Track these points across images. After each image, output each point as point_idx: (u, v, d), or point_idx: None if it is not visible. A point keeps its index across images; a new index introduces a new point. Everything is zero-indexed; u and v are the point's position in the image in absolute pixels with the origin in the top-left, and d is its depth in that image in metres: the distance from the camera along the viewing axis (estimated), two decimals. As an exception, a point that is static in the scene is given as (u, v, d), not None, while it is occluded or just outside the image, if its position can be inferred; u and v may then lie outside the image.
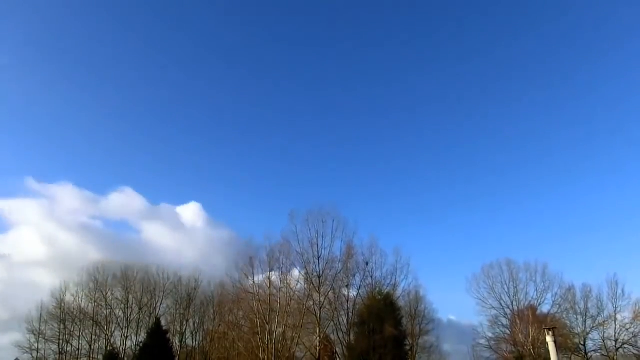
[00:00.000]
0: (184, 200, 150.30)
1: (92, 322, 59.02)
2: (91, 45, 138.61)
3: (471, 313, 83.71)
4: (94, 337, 58.95)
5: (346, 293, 50.70)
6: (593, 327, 56.67)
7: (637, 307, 54.87)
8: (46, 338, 58.43)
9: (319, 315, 45.97)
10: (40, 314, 58.82)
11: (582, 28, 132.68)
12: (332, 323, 48.86)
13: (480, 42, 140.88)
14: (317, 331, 46.09)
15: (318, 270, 47.55)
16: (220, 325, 57.54)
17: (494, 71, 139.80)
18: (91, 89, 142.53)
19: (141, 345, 51.88)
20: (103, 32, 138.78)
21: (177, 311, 61.31)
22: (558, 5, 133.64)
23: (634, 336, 54.86)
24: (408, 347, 53.08)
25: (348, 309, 50.65)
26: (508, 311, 59.99)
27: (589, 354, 56.46)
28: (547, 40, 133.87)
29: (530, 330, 51.46)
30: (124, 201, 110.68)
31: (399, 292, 53.91)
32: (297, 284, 47.14)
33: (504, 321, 60.41)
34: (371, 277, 52.64)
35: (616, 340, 55.23)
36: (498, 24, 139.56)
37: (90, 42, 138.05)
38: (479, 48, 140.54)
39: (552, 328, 37.21)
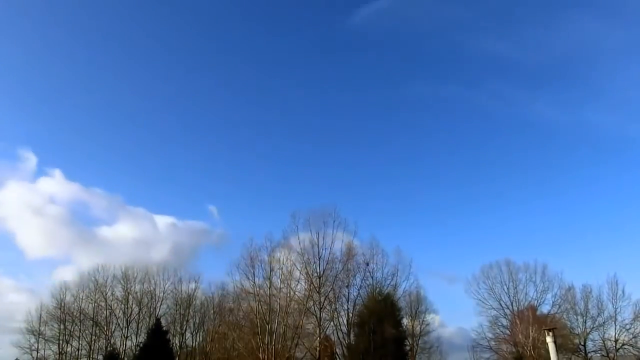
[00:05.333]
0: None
1: (92, 322, 59.06)
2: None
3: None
4: (94, 337, 59.01)
5: (346, 293, 50.82)
6: (593, 327, 56.67)
7: (638, 308, 54.93)
8: (46, 338, 58.56)
9: (319, 315, 46.07)
10: (40, 314, 59.04)
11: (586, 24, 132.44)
12: (332, 323, 48.99)
13: (481, 45, 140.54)
14: (317, 331, 46.17)
15: (318, 270, 47.69)
16: (220, 325, 57.54)
17: (495, 74, 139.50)
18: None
19: (141, 345, 51.90)
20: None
21: (177, 311, 61.30)
22: None
23: (634, 337, 54.87)
24: (408, 348, 53.13)
25: (348, 309, 50.81)
26: (508, 312, 60.09)
27: (589, 355, 56.44)
28: (551, 43, 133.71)
29: (530, 331, 51.47)
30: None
31: (399, 292, 53.99)
32: (297, 284, 47.24)
33: (504, 322, 60.56)
34: (372, 277, 52.74)
35: (616, 341, 55.18)
36: (498, 26, 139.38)
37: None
38: (480, 51, 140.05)
39: (552, 328, 37.14)
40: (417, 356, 55.34)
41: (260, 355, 42.10)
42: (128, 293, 60.33)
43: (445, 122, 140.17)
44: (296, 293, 46.38)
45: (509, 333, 58.13)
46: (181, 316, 61.16)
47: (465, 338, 67.08)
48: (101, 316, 59.44)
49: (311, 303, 45.96)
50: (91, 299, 59.83)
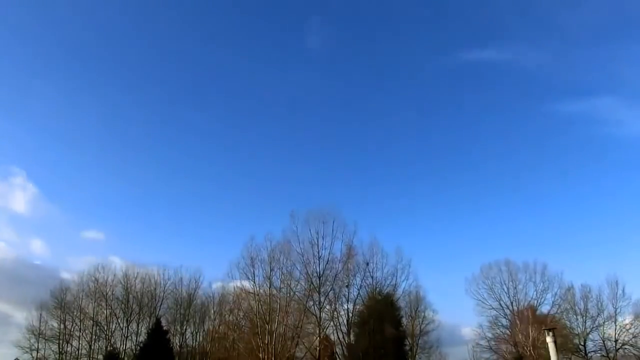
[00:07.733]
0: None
1: (92, 322, 59.07)
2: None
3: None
4: (94, 337, 59.02)
5: (346, 293, 50.81)
6: (593, 327, 56.69)
7: (638, 308, 54.94)
8: (46, 338, 58.55)
9: (319, 315, 46.11)
10: (40, 314, 59.04)
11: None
12: (332, 323, 49.00)
13: (484, 46, 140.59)
14: (317, 331, 46.19)
15: (318, 270, 47.73)
16: (220, 325, 57.63)
17: (495, 77, 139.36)
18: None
19: (141, 345, 51.98)
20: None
21: (178, 311, 61.29)
22: None
23: (634, 337, 54.87)
24: (408, 347, 53.16)
25: (348, 309, 50.79)
26: (508, 311, 60.01)
27: (589, 355, 56.45)
28: (552, 45, 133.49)
29: (530, 331, 51.46)
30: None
31: (399, 292, 53.96)
32: (297, 284, 47.25)
33: (504, 321, 60.50)
34: (371, 277, 52.69)
35: (616, 341, 55.22)
36: (501, 26, 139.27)
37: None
38: (481, 55, 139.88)
39: (552, 328, 37.04)
40: (416, 356, 55.32)
41: (260, 355, 42.11)
42: (128, 293, 60.36)
43: (446, 123, 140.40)
44: (296, 293, 46.44)
45: (509, 333, 58.13)
46: (181, 316, 61.15)
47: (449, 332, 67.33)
48: (101, 316, 59.49)
49: (311, 303, 46.03)
50: (91, 299, 59.85)
